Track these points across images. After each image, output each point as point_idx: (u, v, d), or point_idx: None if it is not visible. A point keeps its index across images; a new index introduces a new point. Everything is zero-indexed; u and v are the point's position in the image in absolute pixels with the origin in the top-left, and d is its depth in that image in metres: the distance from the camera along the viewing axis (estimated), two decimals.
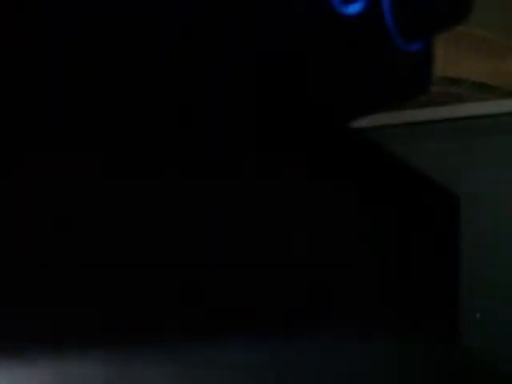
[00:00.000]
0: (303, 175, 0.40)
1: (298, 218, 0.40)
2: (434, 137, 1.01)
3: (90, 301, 0.26)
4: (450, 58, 1.05)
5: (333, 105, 0.44)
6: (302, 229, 0.40)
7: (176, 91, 0.31)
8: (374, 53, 0.42)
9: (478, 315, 0.93)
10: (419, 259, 0.56)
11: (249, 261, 0.35)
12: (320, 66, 0.39)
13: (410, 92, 0.48)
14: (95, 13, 0.27)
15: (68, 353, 0.25)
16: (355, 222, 0.46)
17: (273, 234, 0.37)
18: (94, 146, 0.27)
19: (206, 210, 0.33)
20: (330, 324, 0.42)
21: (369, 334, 0.47)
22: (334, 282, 0.43)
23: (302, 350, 0.39)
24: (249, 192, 0.36)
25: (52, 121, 0.25)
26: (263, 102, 0.37)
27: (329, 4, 0.37)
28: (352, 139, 0.46)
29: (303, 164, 0.41)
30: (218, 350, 0.32)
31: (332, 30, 0.38)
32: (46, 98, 0.25)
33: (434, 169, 0.62)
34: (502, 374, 0.68)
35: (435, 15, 0.44)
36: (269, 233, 0.37)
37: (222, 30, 0.33)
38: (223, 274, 0.33)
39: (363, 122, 0.49)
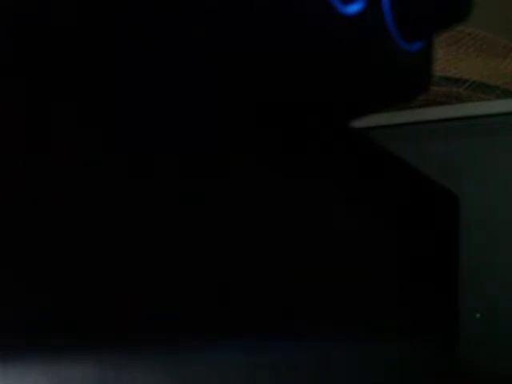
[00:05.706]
0: (303, 175, 0.40)
1: (297, 219, 0.40)
2: (434, 137, 1.01)
3: (86, 302, 0.26)
4: (449, 57, 1.05)
5: (333, 105, 0.44)
6: (301, 229, 0.40)
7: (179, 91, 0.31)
8: (373, 53, 0.42)
9: (477, 315, 0.93)
10: (419, 259, 0.56)
11: (249, 261, 0.35)
12: (320, 65, 0.39)
13: (410, 92, 0.48)
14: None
15: (64, 355, 0.25)
16: (355, 221, 0.46)
17: (273, 234, 0.37)
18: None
19: (205, 211, 0.33)
20: (329, 325, 0.42)
21: (368, 335, 0.47)
22: (333, 281, 0.43)
23: (302, 351, 0.39)
24: (248, 192, 0.36)
25: None
26: (262, 102, 0.37)
27: (328, 3, 0.37)
28: (352, 139, 0.46)
29: (303, 164, 0.41)
30: (217, 351, 0.32)
31: (331, 29, 0.38)
32: None
33: (434, 169, 0.62)
34: (502, 374, 0.68)
35: (435, 15, 0.44)
36: (269, 233, 0.37)
37: (221, 29, 0.33)
38: (223, 274, 0.33)
39: (363, 122, 0.49)
